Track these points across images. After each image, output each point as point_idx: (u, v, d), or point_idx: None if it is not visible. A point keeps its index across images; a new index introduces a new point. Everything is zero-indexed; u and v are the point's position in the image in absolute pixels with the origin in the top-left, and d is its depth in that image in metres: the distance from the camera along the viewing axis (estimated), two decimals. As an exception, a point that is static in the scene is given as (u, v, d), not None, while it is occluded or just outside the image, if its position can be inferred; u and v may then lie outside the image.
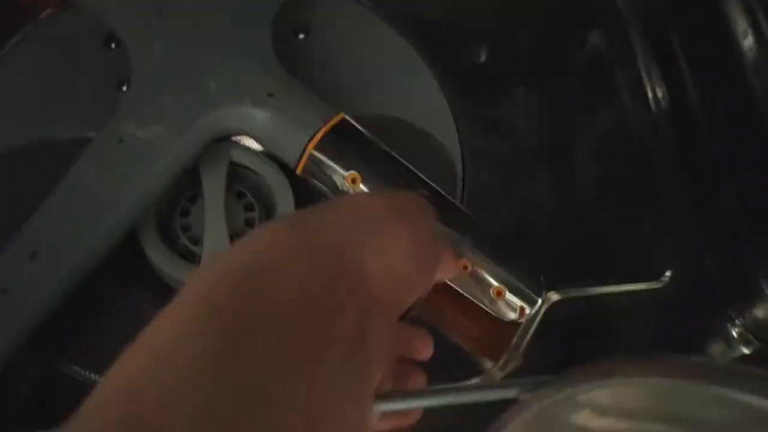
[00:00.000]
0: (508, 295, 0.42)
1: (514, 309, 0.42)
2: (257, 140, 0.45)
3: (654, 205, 0.47)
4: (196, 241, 0.44)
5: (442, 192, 0.44)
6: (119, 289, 0.44)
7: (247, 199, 0.46)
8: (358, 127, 0.44)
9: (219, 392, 0.19)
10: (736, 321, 0.43)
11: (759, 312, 0.42)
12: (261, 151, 0.47)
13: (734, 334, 0.43)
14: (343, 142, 0.43)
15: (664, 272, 0.45)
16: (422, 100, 0.50)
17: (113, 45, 0.49)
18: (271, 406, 0.20)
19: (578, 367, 0.23)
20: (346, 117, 0.44)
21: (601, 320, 0.44)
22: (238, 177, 0.46)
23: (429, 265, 0.29)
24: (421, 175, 0.44)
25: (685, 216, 0.47)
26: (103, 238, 0.41)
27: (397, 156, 0.44)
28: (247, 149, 0.47)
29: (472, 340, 0.44)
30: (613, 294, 0.44)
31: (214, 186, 0.45)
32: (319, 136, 0.42)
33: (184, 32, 0.45)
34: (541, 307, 0.42)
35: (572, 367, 0.23)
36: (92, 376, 0.42)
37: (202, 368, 0.20)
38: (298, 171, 0.43)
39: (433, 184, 0.44)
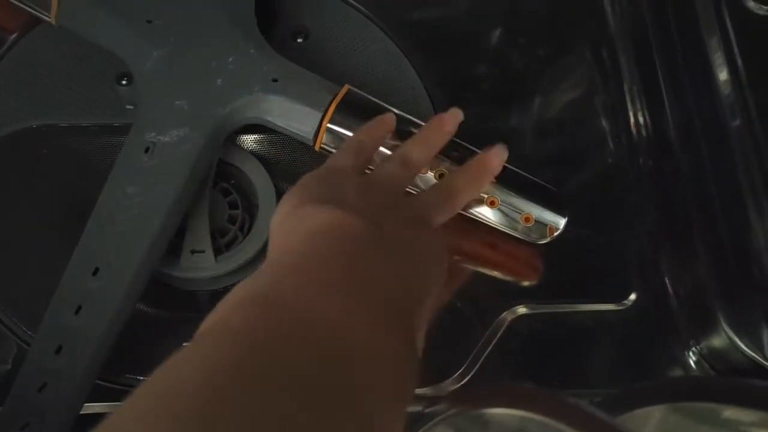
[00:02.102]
0: (536, 220, 0.45)
1: (543, 230, 0.45)
2: (275, 126, 0.47)
3: (625, 230, 0.48)
4: (180, 234, 0.46)
5: (461, 142, 0.45)
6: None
7: (232, 196, 0.48)
8: (366, 95, 0.46)
9: None
10: (694, 349, 0.44)
11: (715, 342, 0.42)
12: (248, 151, 0.49)
13: (692, 362, 0.43)
14: (355, 112, 0.45)
15: (628, 295, 0.45)
16: (410, 110, 0.51)
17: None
18: None
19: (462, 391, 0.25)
20: (352, 88, 0.46)
21: (564, 337, 0.45)
22: (225, 174, 0.48)
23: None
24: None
25: (653, 242, 0.47)
26: (153, 241, 0.43)
27: (410, 116, 0.46)
28: (237, 148, 0.49)
29: (505, 267, 0.47)
30: (577, 312, 0.45)
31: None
32: (330, 110, 0.45)
33: (178, 36, 0.47)
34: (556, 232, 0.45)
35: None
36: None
37: None
38: (316, 147, 0.45)
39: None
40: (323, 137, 0.45)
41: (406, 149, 0.41)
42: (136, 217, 0.43)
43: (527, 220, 0.45)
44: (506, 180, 0.45)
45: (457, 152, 0.45)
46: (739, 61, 0.40)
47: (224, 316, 0.26)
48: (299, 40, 0.54)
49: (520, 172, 0.46)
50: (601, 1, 0.54)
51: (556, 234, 0.45)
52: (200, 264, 0.45)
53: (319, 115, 0.45)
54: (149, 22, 0.48)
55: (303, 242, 0.31)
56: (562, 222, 0.45)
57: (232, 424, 0.20)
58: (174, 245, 0.46)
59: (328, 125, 0.45)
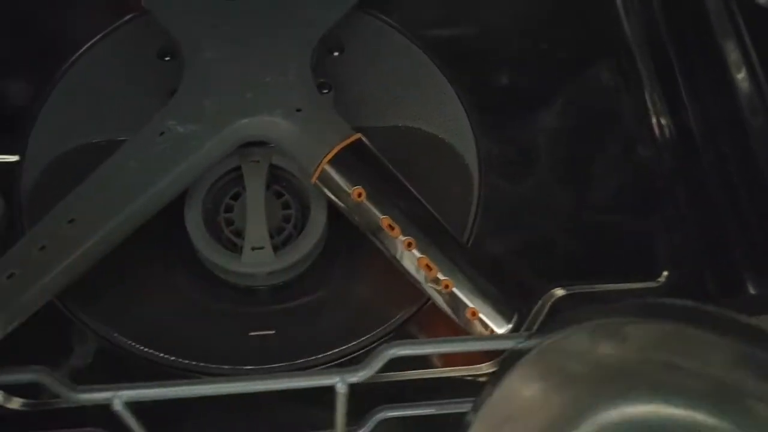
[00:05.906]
0: (482, 316, 0.45)
1: (485, 330, 0.45)
2: (278, 146, 0.50)
3: (657, 214, 0.52)
4: (238, 233, 0.49)
5: (435, 214, 0.48)
6: (167, 270, 0.50)
7: (285, 198, 0.51)
8: (372, 148, 0.48)
9: None
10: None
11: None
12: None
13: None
14: (354, 161, 0.47)
15: (661, 273, 0.49)
16: (444, 114, 0.55)
17: (167, 58, 0.55)
18: None
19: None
20: (363, 139, 0.48)
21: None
22: (277, 178, 0.51)
23: None
24: (420, 198, 0.48)
25: (684, 224, 0.51)
26: (133, 215, 0.46)
27: (402, 179, 0.48)
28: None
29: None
30: (614, 291, 0.48)
31: (255, 185, 0.50)
32: (334, 152, 0.47)
33: (234, 45, 0.51)
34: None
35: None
36: (136, 345, 0.47)
37: None
38: (312, 180, 0.48)
39: (428, 206, 0.48)
40: (319, 174, 0.47)
41: None
42: (126, 189, 0.46)
43: (473, 314, 0.44)
44: (467, 268, 0.45)
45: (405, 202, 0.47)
46: (755, 58, 0.43)
47: None
48: (335, 54, 0.57)
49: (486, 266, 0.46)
50: (616, 10, 0.58)
51: None
52: (260, 260, 0.48)
53: (322, 155, 0.47)
54: (215, 25, 0.51)
55: None
56: (506, 326, 0.45)
57: None
58: (234, 244, 0.49)
59: (325, 166, 0.46)
